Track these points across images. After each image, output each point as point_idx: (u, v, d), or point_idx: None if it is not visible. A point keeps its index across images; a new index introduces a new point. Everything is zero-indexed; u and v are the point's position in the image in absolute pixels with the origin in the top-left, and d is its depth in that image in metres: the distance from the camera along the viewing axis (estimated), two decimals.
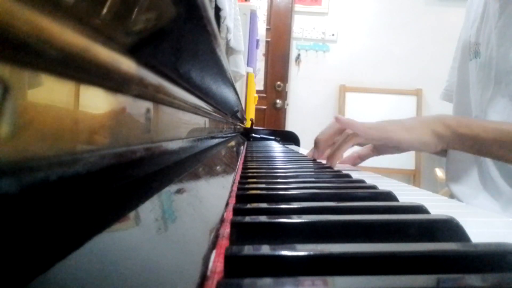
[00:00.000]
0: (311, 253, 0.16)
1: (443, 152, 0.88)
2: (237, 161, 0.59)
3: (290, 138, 1.40)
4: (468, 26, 0.78)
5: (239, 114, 1.00)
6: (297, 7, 2.70)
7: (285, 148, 1.01)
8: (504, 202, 0.66)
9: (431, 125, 0.60)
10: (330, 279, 0.14)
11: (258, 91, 2.41)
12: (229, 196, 0.30)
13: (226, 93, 0.50)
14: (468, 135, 0.58)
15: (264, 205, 0.26)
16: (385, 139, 0.61)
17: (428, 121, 0.61)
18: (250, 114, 1.88)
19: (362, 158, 0.71)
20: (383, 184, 0.40)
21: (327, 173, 0.49)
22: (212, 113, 0.49)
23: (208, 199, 0.26)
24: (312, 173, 0.49)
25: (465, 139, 0.58)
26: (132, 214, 0.15)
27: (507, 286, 0.14)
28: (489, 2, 0.70)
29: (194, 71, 0.28)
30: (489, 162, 0.70)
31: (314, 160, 0.68)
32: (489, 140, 0.56)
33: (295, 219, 0.21)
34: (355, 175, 0.47)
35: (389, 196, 0.31)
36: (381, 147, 0.67)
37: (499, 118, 0.67)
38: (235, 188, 0.34)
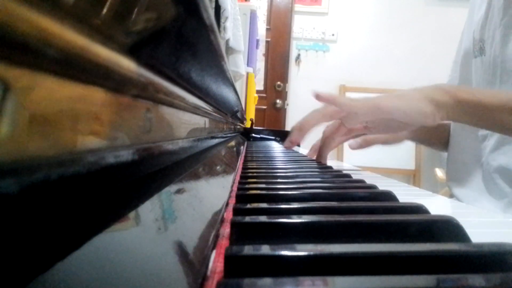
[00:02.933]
0: (311, 253, 0.16)
1: (443, 146, 0.87)
2: (237, 161, 0.59)
3: None
4: (472, 21, 0.76)
5: (239, 114, 1.00)
6: (297, 7, 2.70)
7: (285, 148, 1.01)
8: (506, 204, 0.65)
9: (428, 92, 0.55)
10: (330, 279, 0.14)
11: (258, 91, 2.41)
12: (229, 196, 0.30)
13: (226, 93, 0.50)
14: (470, 101, 0.52)
15: (264, 205, 0.26)
16: (373, 110, 0.55)
17: (424, 88, 0.56)
18: (250, 114, 1.88)
19: (368, 143, 0.66)
20: (383, 184, 0.40)
21: (327, 173, 0.49)
22: (212, 113, 0.49)
23: (208, 199, 0.26)
24: (312, 173, 0.49)
25: (466, 106, 0.53)
26: (132, 214, 0.15)
27: (507, 286, 0.14)
28: None
29: (194, 71, 0.28)
30: (491, 164, 0.69)
31: (314, 160, 0.68)
32: (494, 105, 0.51)
33: (295, 219, 0.21)
34: (355, 175, 0.47)
35: (389, 196, 0.31)
36: (378, 126, 0.61)
37: None
38: (235, 188, 0.34)
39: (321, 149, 0.65)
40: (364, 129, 0.64)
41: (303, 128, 0.64)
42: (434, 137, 0.88)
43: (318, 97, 0.57)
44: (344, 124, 0.61)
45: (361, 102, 0.56)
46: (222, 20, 1.13)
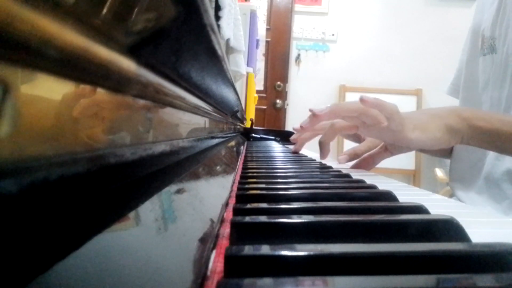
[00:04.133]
0: (311, 253, 0.16)
1: (446, 153, 0.86)
2: (237, 161, 0.59)
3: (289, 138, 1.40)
4: (481, 19, 0.75)
5: (239, 114, 1.00)
6: (297, 7, 2.70)
7: (285, 148, 1.01)
8: (507, 205, 0.65)
9: (444, 118, 0.54)
10: (330, 279, 0.14)
11: (258, 91, 2.41)
12: (229, 196, 0.30)
13: (226, 93, 0.50)
14: (485, 128, 0.52)
15: (264, 205, 0.26)
16: (397, 141, 0.54)
17: (441, 114, 0.55)
18: (250, 114, 1.88)
19: (375, 160, 0.63)
20: (383, 184, 0.40)
21: (327, 173, 0.49)
22: (212, 113, 0.49)
23: (208, 199, 0.26)
24: (312, 173, 0.49)
25: (482, 133, 0.53)
26: (132, 214, 0.15)
27: (508, 286, 0.14)
28: None
29: (194, 71, 0.28)
30: (493, 165, 0.68)
31: (314, 160, 0.68)
32: (508, 134, 0.51)
33: (295, 219, 0.21)
34: (355, 175, 0.47)
35: (389, 196, 0.31)
36: (393, 146, 0.60)
37: None
38: (235, 188, 0.34)
39: (326, 137, 0.61)
40: (385, 150, 0.61)
41: (335, 112, 0.56)
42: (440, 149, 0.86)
43: (362, 101, 0.53)
44: (363, 133, 0.58)
45: (393, 127, 0.52)
46: (220, 19, 1.13)
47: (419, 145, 0.54)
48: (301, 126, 0.60)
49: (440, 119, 0.54)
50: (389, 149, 0.60)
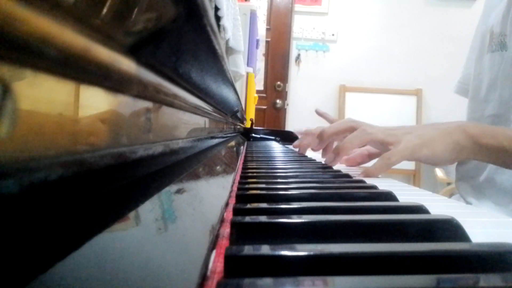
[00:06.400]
0: (311, 253, 0.16)
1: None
2: (237, 161, 0.59)
3: (290, 138, 1.40)
4: (489, 16, 0.74)
5: (239, 114, 1.00)
6: (297, 7, 2.70)
7: (285, 148, 1.01)
8: (511, 209, 0.64)
9: (452, 135, 0.54)
10: (330, 279, 0.14)
11: (258, 91, 2.41)
12: (229, 196, 0.30)
13: (226, 93, 0.50)
14: (493, 146, 0.52)
15: (264, 205, 0.26)
16: (407, 159, 0.55)
17: (448, 130, 0.54)
18: (250, 114, 1.88)
19: (371, 157, 0.63)
20: (383, 184, 0.40)
21: (327, 173, 0.49)
22: (212, 113, 0.49)
23: (208, 199, 0.26)
24: (312, 173, 0.49)
25: (489, 151, 0.53)
26: (132, 214, 0.15)
27: (508, 286, 0.14)
28: None
29: (194, 71, 0.28)
30: (496, 167, 0.68)
31: (313, 160, 0.68)
32: None
33: (295, 219, 0.21)
34: (355, 175, 0.47)
35: (389, 196, 0.31)
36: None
37: None
38: (235, 188, 0.34)
39: (340, 150, 0.61)
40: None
41: (323, 137, 0.61)
42: None
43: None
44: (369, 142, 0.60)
45: (402, 146, 0.54)
46: (220, 20, 1.13)
47: (427, 162, 0.55)
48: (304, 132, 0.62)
49: (448, 136, 0.54)
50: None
